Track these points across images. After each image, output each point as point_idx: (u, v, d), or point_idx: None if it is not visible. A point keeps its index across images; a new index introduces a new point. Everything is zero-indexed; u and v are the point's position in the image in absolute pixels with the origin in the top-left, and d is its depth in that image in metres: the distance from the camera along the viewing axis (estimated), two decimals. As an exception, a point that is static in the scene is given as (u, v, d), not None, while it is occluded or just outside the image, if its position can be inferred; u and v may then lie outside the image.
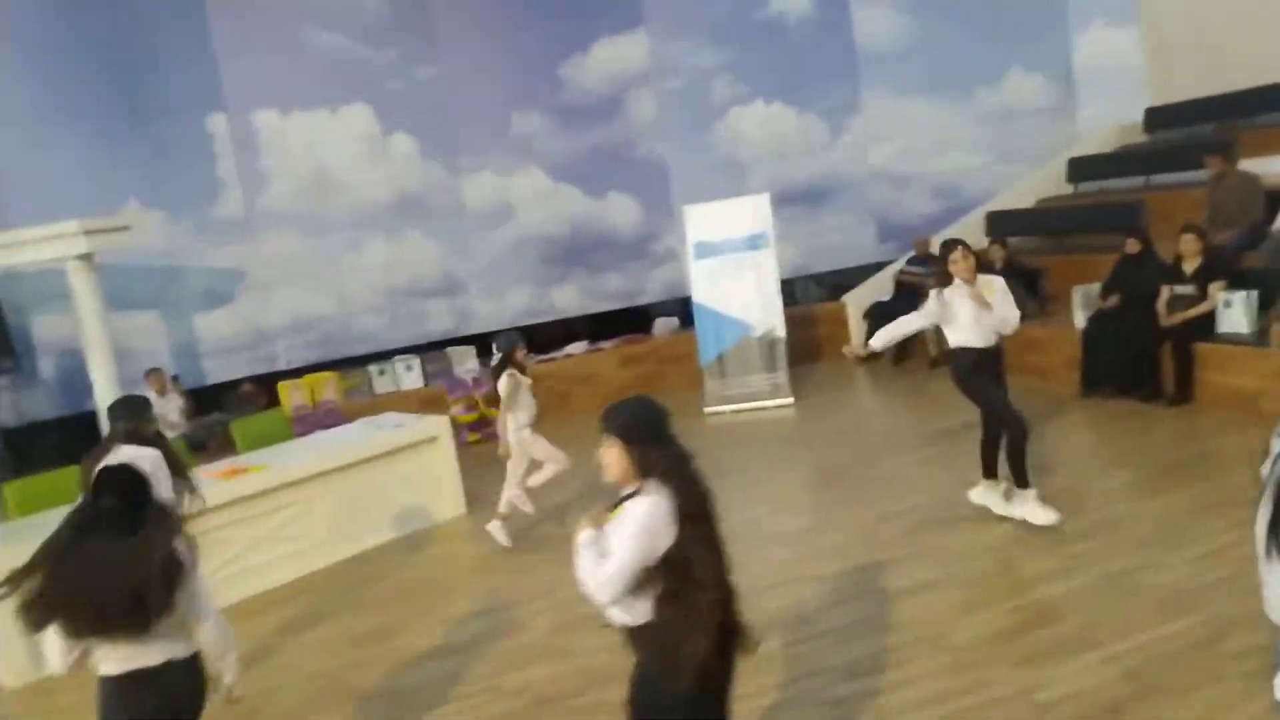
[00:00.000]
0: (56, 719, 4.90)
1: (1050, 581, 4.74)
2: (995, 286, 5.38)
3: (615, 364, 10.68)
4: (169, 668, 3.00)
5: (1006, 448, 5.48)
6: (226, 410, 9.79)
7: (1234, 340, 7.02)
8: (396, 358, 10.47)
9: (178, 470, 4.40)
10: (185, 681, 3.05)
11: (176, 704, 3.04)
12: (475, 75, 12.60)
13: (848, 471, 7.10)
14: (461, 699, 4.48)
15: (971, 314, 5.35)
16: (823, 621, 4.70)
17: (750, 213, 9.45)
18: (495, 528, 6.47)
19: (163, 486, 4.08)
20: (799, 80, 13.17)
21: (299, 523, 6.53)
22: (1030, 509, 5.39)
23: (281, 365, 11.87)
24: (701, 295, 9.59)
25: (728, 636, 2.80)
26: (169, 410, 9.03)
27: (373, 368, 10.14)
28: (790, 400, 9.31)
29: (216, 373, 11.54)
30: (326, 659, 5.19)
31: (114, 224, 9.40)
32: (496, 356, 6.48)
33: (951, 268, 5.39)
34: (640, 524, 2.63)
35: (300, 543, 6.52)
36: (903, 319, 5.73)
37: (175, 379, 9.57)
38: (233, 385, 11.17)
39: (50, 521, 3.11)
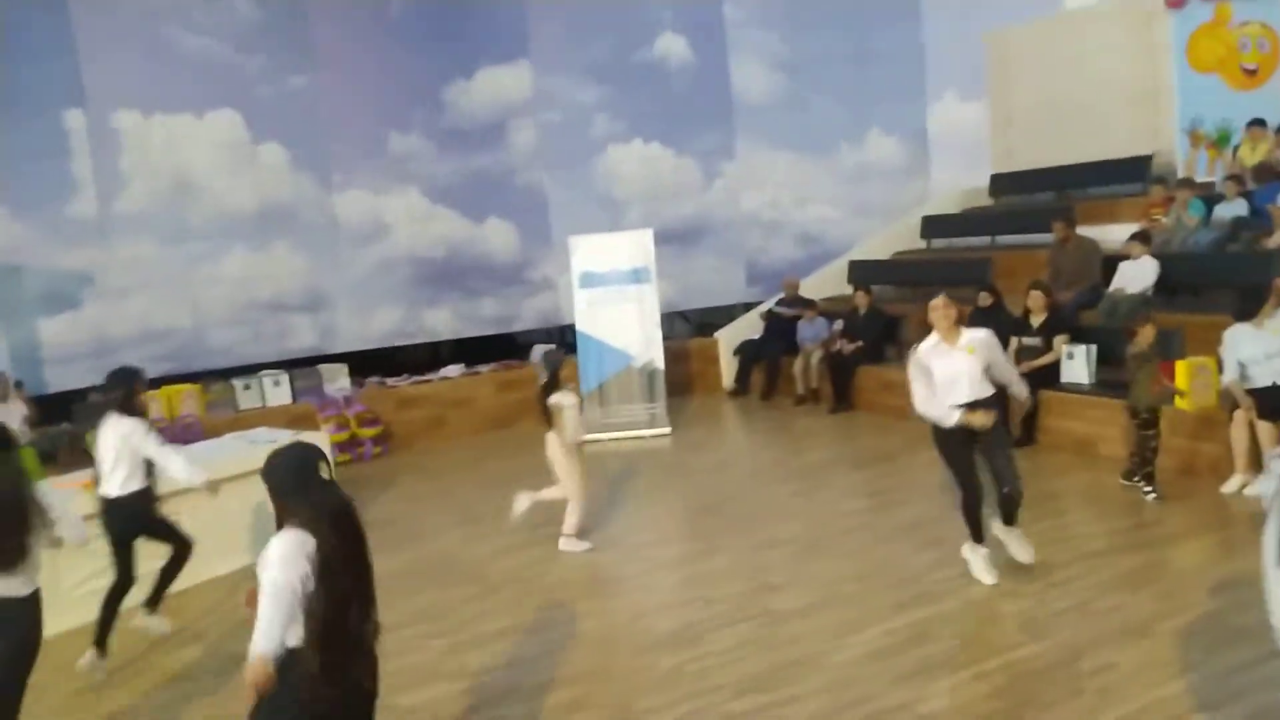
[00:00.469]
0: None
1: (920, 606, 5.06)
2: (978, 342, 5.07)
3: (492, 389, 10.64)
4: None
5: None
6: (75, 421, 9.15)
7: (1075, 389, 7.72)
8: (263, 372, 10.07)
9: None
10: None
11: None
12: (352, 90, 12.40)
13: (727, 501, 7.34)
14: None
15: (951, 371, 5.05)
16: (712, 642, 4.85)
17: (634, 247, 9.68)
18: (570, 543, 6.34)
19: None
20: (677, 123, 13.62)
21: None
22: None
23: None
24: (584, 324, 9.73)
25: (352, 693, 2.85)
26: (10, 418, 8.34)
27: (237, 381, 9.72)
28: (668, 430, 9.54)
29: (57, 381, 10.78)
30: (207, 682, 4.96)
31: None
32: (543, 374, 6.39)
33: (930, 315, 5.09)
34: (275, 557, 2.72)
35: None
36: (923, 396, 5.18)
37: (19, 385, 8.90)
38: (76, 395, 10.45)
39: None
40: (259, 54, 11.91)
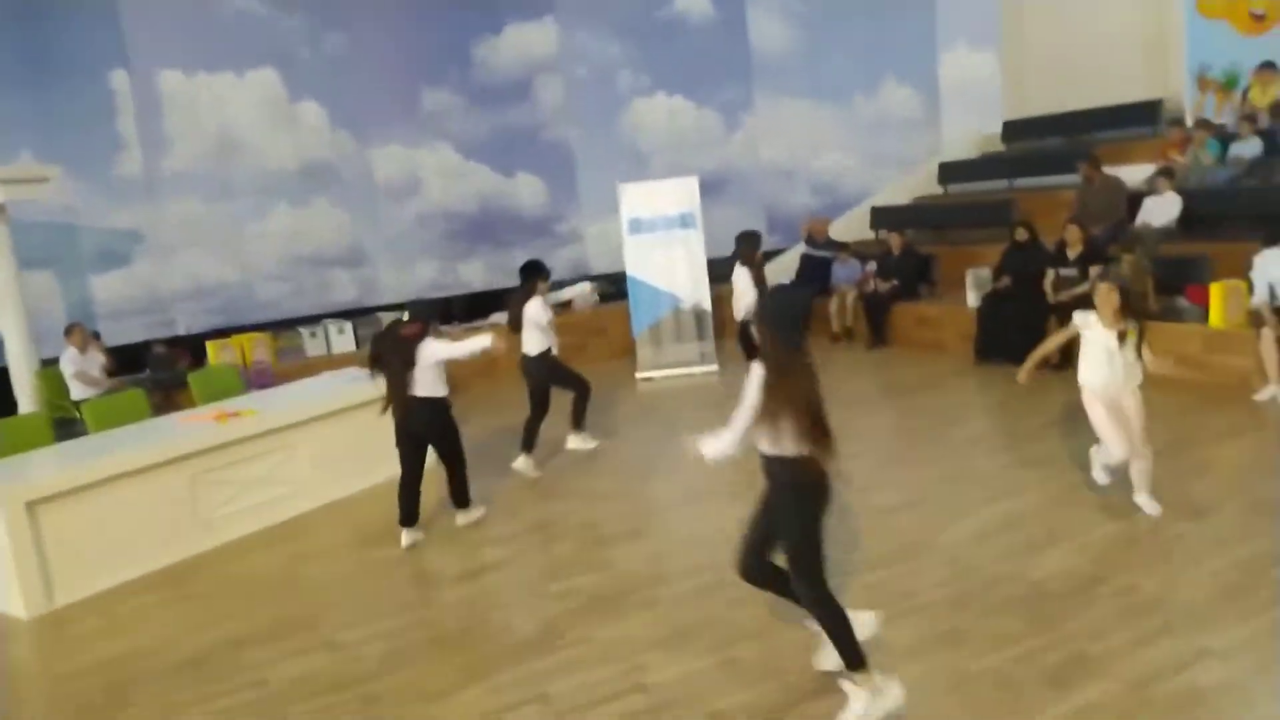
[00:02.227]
0: (69, 648, 4.92)
1: (1007, 499, 5.62)
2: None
3: (541, 335, 11.05)
4: None
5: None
6: (152, 369, 9.52)
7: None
8: (327, 320, 10.45)
9: None
10: None
11: None
12: (385, 48, 12.68)
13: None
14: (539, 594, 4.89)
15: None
16: (833, 531, 5.38)
17: (680, 193, 10.10)
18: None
19: None
20: (698, 77, 14.00)
21: (287, 467, 6.65)
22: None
23: (179, 330, 11.57)
24: (634, 269, 10.17)
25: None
26: (91, 367, 8.74)
27: (304, 329, 10.10)
28: (716, 367, 10.05)
29: (111, 336, 11.10)
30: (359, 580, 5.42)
31: (31, 174, 9.01)
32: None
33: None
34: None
35: (289, 486, 6.64)
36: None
37: (96, 336, 9.25)
38: (133, 349, 10.79)
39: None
40: (296, 13, 12.14)
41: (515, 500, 6.56)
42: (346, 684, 4.22)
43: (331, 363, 9.79)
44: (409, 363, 5.68)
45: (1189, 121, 11.04)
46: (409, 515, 5.84)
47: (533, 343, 7.08)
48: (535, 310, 7.06)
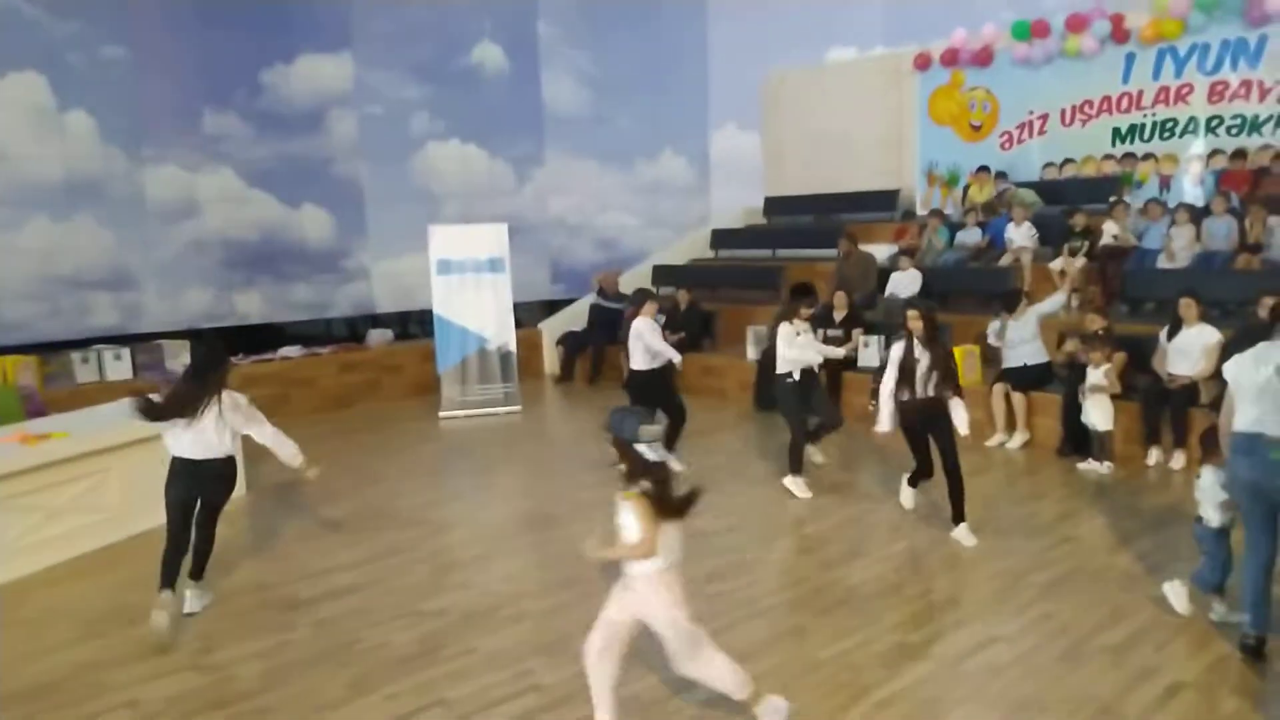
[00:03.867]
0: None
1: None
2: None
3: (334, 369, 10.91)
4: None
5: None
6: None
7: (868, 370, 9.57)
8: (99, 346, 9.73)
9: None
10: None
11: None
12: (169, 64, 12.16)
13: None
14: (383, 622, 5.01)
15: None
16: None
17: (490, 238, 10.47)
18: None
19: None
20: (492, 127, 14.50)
21: (96, 494, 6.28)
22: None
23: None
24: (441, 308, 10.35)
25: None
26: None
27: (75, 354, 9.35)
28: (519, 408, 10.42)
29: None
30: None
31: None
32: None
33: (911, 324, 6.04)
34: None
35: (99, 514, 6.27)
36: (885, 383, 6.09)
37: None
38: None
39: None
40: (73, 19, 11.36)
41: (355, 528, 6.59)
42: (229, 700, 4.19)
43: (108, 390, 9.12)
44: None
45: (919, 210, 12.96)
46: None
47: (639, 359, 7.56)
48: (642, 328, 7.52)
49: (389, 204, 13.77)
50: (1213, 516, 4.61)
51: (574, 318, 12.96)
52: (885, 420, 6.13)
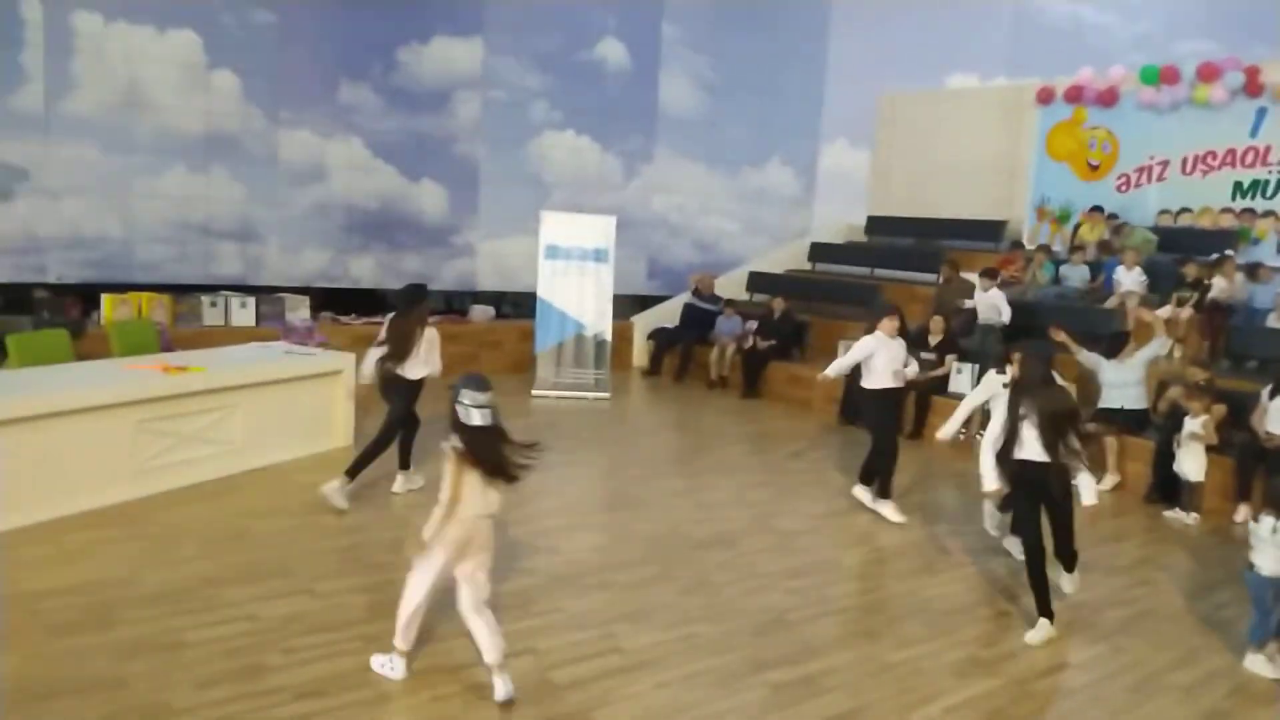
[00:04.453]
0: (28, 571, 4.93)
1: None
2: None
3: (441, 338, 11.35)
4: None
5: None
6: (38, 313, 9.18)
7: (958, 397, 9.60)
8: (226, 292, 10.37)
9: None
10: None
11: None
12: (312, 34, 12.76)
13: (694, 452, 8.68)
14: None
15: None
16: (744, 545, 6.16)
17: (598, 229, 10.81)
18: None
19: None
20: (607, 121, 14.82)
21: (222, 426, 6.77)
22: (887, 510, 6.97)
23: (49, 278, 11.11)
24: (545, 291, 10.74)
25: None
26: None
27: (205, 298, 10.00)
28: (608, 395, 10.73)
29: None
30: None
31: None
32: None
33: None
34: None
35: (222, 445, 6.76)
36: (986, 434, 5.46)
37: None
38: (12, 288, 10.30)
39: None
40: (230, -18, 12.07)
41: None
42: (339, 625, 4.56)
43: (231, 334, 9.75)
44: None
45: (1026, 243, 12.86)
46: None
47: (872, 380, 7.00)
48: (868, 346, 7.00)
49: (502, 186, 14.22)
50: (1264, 565, 4.64)
51: (665, 315, 13.22)
52: (989, 477, 5.37)
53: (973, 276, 11.74)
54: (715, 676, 4.32)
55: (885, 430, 7.05)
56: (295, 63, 12.65)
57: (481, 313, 12.09)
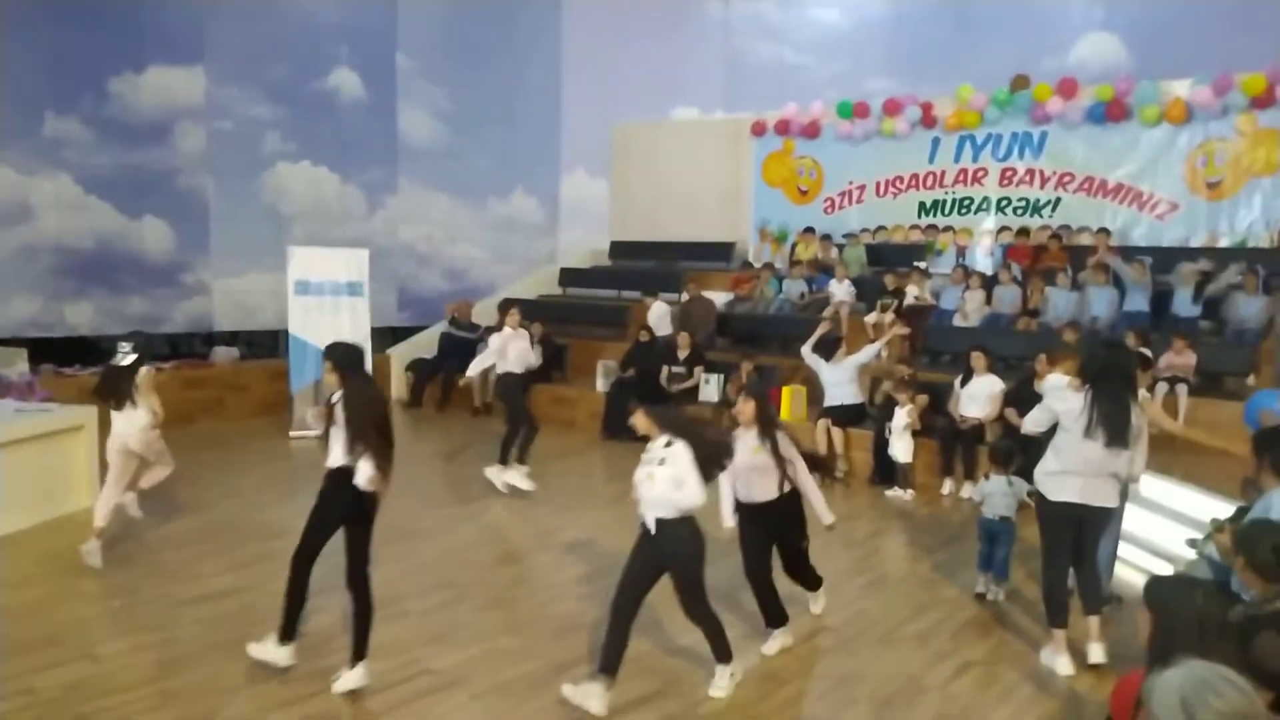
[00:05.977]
0: None
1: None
2: None
3: (177, 386, 10.73)
4: None
5: None
6: None
7: (708, 405, 10.44)
8: (-76, 349, 9.26)
9: None
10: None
11: None
12: (10, 63, 11.69)
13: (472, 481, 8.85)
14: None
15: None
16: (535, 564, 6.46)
17: (350, 262, 10.70)
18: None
19: None
20: (346, 152, 14.63)
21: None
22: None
23: None
24: (297, 328, 10.46)
25: None
26: None
27: (-98, 356, 8.89)
28: (372, 429, 10.60)
29: None
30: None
31: None
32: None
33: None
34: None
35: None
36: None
37: None
38: None
39: None
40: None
41: (220, 538, 6.73)
42: (130, 686, 4.39)
43: (-66, 395, 8.75)
44: None
45: (753, 262, 14.11)
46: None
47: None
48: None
49: (235, 221, 13.63)
50: (991, 509, 5.89)
51: (420, 345, 13.26)
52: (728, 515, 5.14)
53: (711, 295, 12.78)
54: (524, 683, 4.61)
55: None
56: (-12, 93, 11.53)
57: (225, 354, 11.56)
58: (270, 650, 4.62)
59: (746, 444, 4.91)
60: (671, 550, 4.42)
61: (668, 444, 4.44)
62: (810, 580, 5.49)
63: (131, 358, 6.23)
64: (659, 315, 11.91)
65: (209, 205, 13.53)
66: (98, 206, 12.57)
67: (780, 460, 4.92)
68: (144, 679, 4.48)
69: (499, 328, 8.95)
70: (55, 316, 12.29)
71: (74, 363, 10.94)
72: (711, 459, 4.46)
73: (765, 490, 4.98)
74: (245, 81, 13.73)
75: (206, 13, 13.16)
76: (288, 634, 4.62)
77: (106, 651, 4.75)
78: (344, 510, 4.56)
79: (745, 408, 5.00)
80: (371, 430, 4.43)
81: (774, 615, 5.13)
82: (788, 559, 5.29)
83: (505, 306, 9.86)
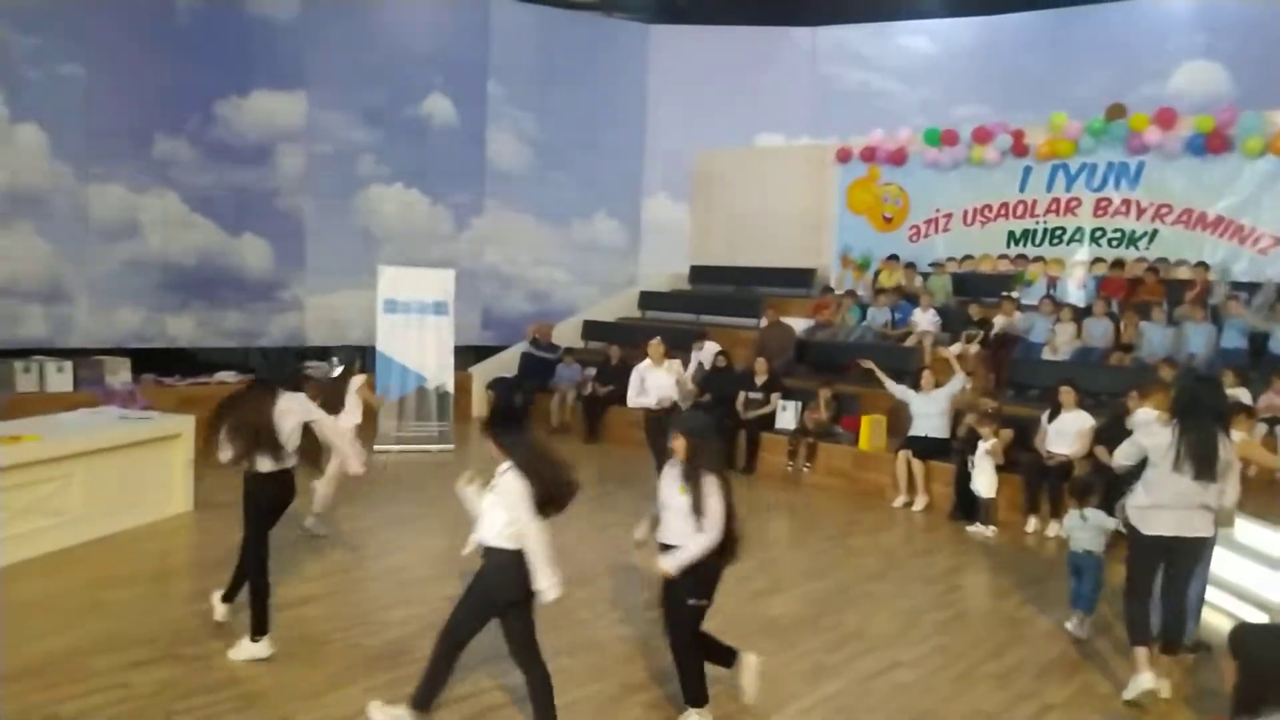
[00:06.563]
0: None
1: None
2: None
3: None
4: None
5: None
6: None
7: (784, 432, 10.37)
8: (40, 357, 9.79)
9: None
10: None
11: None
12: (124, 86, 12.34)
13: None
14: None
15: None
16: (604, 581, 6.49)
17: (438, 283, 10.98)
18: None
19: None
20: (435, 175, 15.01)
21: (60, 497, 6.50)
22: None
23: None
24: (385, 345, 10.77)
25: None
26: None
27: (18, 363, 9.42)
28: (451, 446, 10.83)
29: None
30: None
31: None
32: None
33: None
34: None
35: (59, 516, 6.48)
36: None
37: None
38: None
39: None
40: (34, 35, 11.53)
41: (316, 548, 6.94)
42: (215, 688, 4.55)
43: (48, 401, 9.23)
44: None
45: (835, 289, 13.99)
46: None
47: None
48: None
49: (329, 240, 14.10)
50: (1078, 543, 5.75)
51: (502, 365, 13.47)
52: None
53: (790, 321, 12.71)
54: (593, 703, 4.63)
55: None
56: (105, 116, 12.18)
57: (319, 369, 11.89)
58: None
59: (673, 481, 4.48)
60: (492, 581, 4.19)
61: (505, 470, 4.21)
62: (712, 651, 4.65)
63: (339, 369, 7.21)
64: (709, 354, 11.69)
65: (305, 224, 14.02)
66: (201, 224, 13.14)
67: (698, 507, 4.31)
68: (225, 682, 4.63)
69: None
70: (157, 328, 12.86)
71: (174, 373, 11.44)
72: (550, 499, 4.17)
73: (682, 535, 4.41)
74: (344, 107, 14.22)
75: (310, 42, 13.71)
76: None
77: (192, 653, 4.93)
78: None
79: (676, 444, 4.43)
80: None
81: (691, 688, 4.46)
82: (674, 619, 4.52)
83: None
